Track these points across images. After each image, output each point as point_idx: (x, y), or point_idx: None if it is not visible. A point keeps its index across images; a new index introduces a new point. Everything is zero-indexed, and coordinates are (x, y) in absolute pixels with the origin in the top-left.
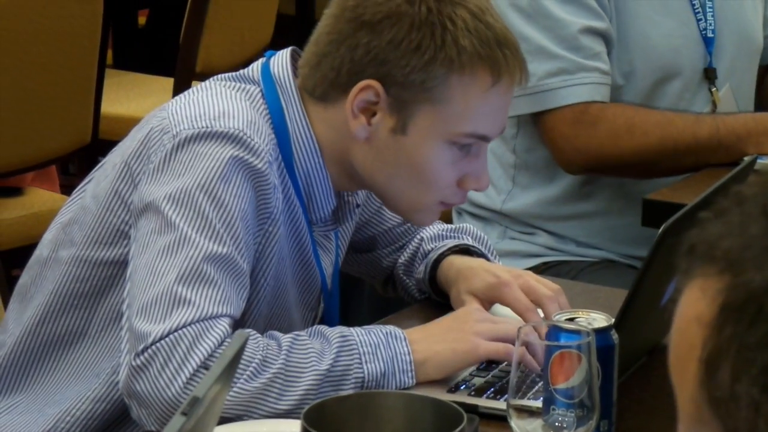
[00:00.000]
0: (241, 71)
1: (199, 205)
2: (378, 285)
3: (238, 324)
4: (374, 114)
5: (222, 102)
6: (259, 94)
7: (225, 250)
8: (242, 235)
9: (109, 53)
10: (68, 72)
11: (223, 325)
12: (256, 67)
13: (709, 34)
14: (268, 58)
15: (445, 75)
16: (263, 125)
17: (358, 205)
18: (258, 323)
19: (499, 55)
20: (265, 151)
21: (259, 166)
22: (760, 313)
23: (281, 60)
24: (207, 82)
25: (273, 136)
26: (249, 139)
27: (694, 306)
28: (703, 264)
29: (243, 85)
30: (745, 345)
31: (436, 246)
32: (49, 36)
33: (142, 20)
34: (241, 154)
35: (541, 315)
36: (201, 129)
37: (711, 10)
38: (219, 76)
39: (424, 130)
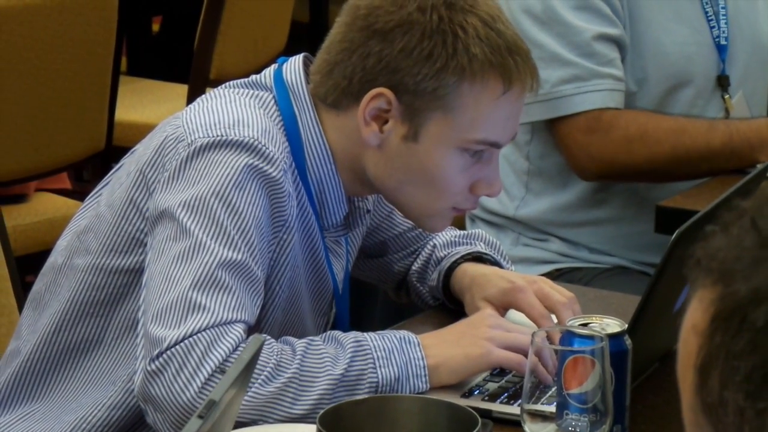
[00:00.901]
0: (254, 77)
1: (214, 212)
2: (390, 290)
3: (252, 331)
4: (386, 121)
5: (236, 110)
6: (272, 101)
7: (239, 256)
8: (256, 243)
9: (123, 60)
10: (82, 79)
11: (238, 330)
12: (268, 73)
13: (722, 42)
14: (281, 65)
15: (457, 83)
16: (277, 133)
17: (368, 211)
18: (273, 330)
19: (510, 63)
20: (280, 159)
21: (274, 174)
22: (744, 323)
23: (294, 66)
24: (219, 88)
25: (287, 143)
26: (264, 148)
27: (692, 316)
28: (703, 275)
29: (256, 92)
30: (731, 353)
31: (448, 253)
32: (64, 43)
33: (156, 27)
34: (256, 163)
35: (555, 322)
36: (216, 137)
37: (724, 17)
38: (231, 82)
39: (436, 137)
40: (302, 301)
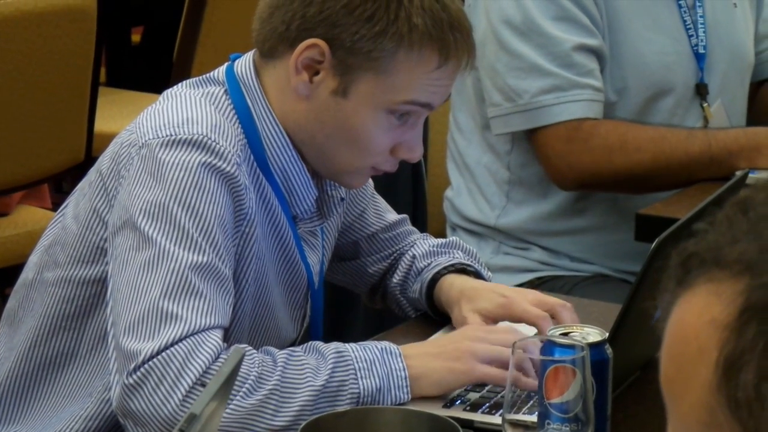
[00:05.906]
0: (207, 75)
1: (175, 217)
2: (364, 295)
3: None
4: (317, 73)
5: (186, 109)
6: (224, 94)
7: (205, 258)
8: (221, 241)
9: (103, 71)
10: (62, 90)
11: (215, 338)
12: (221, 69)
13: (701, 50)
14: (233, 61)
15: (393, 49)
16: (229, 127)
17: (342, 199)
18: (242, 325)
19: (449, 38)
20: (232, 153)
21: (227, 169)
22: None
23: (245, 61)
24: (174, 88)
25: (242, 136)
26: (214, 144)
27: (706, 311)
28: (710, 270)
29: (208, 89)
30: None
31: (429, 263)
32: (43, 55)
33: (135, 38)
34: (208, 159)
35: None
36: (165, 137)
37: (703, 26)
38: (186, 81)
39: (365, 96)
40: (271, 294)
